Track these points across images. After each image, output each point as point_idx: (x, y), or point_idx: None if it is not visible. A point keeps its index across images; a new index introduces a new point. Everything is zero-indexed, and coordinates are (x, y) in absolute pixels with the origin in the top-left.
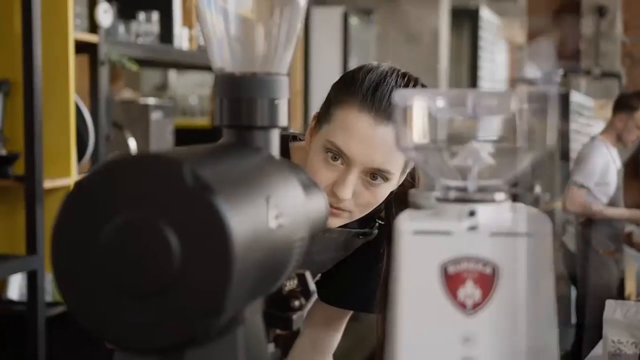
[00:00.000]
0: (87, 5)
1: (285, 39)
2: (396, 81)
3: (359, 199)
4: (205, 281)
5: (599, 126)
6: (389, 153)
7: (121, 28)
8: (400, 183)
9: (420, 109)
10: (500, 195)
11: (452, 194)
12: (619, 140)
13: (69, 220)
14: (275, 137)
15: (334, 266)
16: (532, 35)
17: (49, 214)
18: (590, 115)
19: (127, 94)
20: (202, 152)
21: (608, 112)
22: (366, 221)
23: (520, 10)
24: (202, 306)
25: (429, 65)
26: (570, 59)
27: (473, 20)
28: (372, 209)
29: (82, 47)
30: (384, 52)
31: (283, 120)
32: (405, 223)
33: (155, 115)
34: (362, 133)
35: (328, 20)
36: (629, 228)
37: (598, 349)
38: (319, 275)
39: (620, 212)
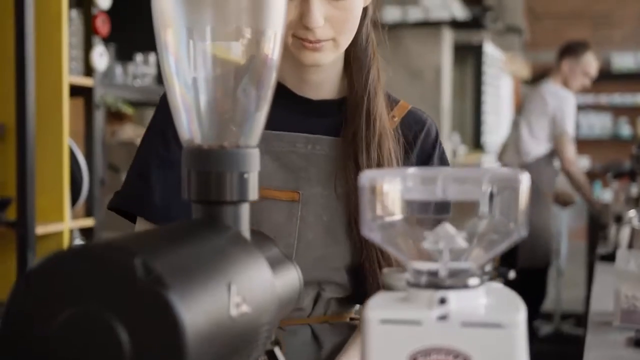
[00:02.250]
0: (83, 48)
1: (255, 110)
2: None
3: (333, 21)
4: None
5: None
6: None
7: (118, 69)
8: None
9: (388, 190)
10: (473, 280)
11: (423, 279)
12: (565, 85)
13: (18, 312)
14: (245, 211)
15: None
16: (536, 69)
17: None
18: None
19: (129, 130)
20: (160, 237)
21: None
22: None
23: (525, 44)
24: None
25: (432, 101)
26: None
27: (477, 55)
28: (354, 29)
29: (78, 90)
30: (387, 87)
31: (253, 194)
32: (374, 311)
33: None
34: None
35: None
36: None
37: (607, 305)
38: None
39: (591, 195)
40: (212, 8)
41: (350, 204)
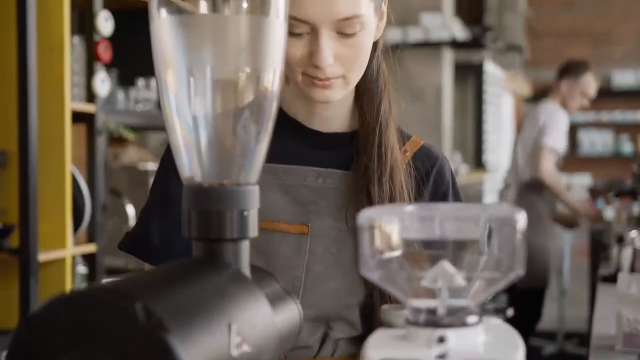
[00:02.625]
0: (85, 74)
1: (256, 146)
2: None
3: (343, 59)
4: None
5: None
6: None
7: (120, 95)
8: (378, 27)
9: (386, 229)
10: (472, 319)
11: (422, 318)
12: (563, 106)
13: (20, 356)
14: (245, 249)
15: None
16: (537, 87)
17: (43, 287)
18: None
19: (132, 152)
20: (161, 278)
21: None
22: None
23: (525, 62)
24: None
25: (433, 121)
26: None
27: (477, 74)
28: (364, 66)
29: (80, 117)
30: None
31: (253, 231)
32: (374, 350)
33: None
34: None
35: None
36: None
37: (610, 328)
38: None
39: (574, 202)
40: (212, 49)
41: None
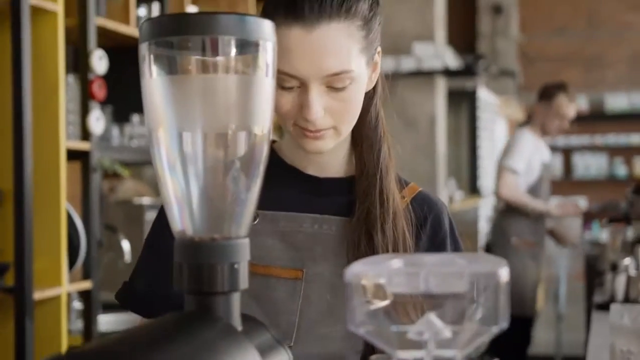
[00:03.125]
0: (80, 113)
1: (246, 198)
2: None
3: (333, 111)
4: None
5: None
6: (337, 52)
7: (115, 131)
8: (371, 78)
9: (373, 284)
10: None
11: None
12: (544, 131)
13: None
14: (236, 300)
15: None
16: (530, 111)
17: (39, 325)
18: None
19: (129, 185)
20: (152, 335)
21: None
22: None
23: (519, 87)
24: None
25: (427, 148)
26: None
27: (471, 100)
28: (356, 117)
29: (75, 154)
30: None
31: (244, 283)
32: None
33: (150, 215)
34: (297, 47)
35: None
36: (550, 224)
37: (604, 357)
38: None
39: (543, 206)
40: (202, 107)
41: None
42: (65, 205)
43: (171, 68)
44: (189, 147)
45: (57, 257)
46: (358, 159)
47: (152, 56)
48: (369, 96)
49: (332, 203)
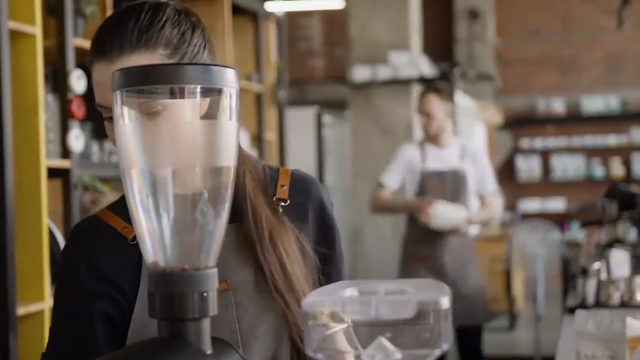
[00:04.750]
0: (60, 131)
1: (214, 232)
2: (131, 12)
3: None
4: None
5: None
6: None
7: (95, 148)
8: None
9: (328, 313)
10: None
11: None
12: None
13: None
14: (206, 325)
15: None
16: (508, 114)
17: (22, 341)
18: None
19: (111, 197)
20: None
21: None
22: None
23: (496, 90)
24: None
25: None
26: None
27: None
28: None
29: (55, 172)
30: (359, 145)
31: (213, 309)
32: None
33: None
34: (102, 79)
35: (303, 119)
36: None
37: None
38: None
39: (406, 202)
40: (171, 150)
41: (265, 275)
42: (46, 221)
43: (141, 114)
44: (159, 184)
45: (39, 273)
46: None
47: (123, 104)
48: None
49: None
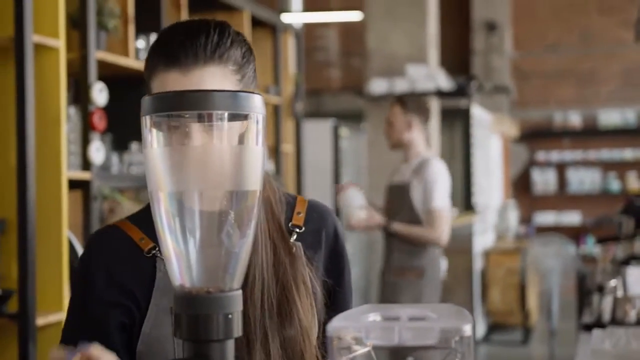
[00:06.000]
0: (81, 143)
1: (239, 254)
2: (199, 26)
3: None
4: None
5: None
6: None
7: (115, 159)
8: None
9: (352, 338)
10: None
11: None
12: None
13: None
14: (230, 347)
15: None
16: (524, 127)
17: (42, 351)
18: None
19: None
20: None
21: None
22: None
23: (513, 103)
24: None
25: None
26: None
27: (464, 118)
28: None
29: (76, 184)
30: (376, 157)
31: (237, 331)
32: None
33: None
34: (175, 88)
35: (319, 132)
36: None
37: None
38: None
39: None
40: (198, 174)
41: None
42: (66, 233)
43: (170, 139)
44: (186, 207)
45: (59, 283)
46: None
47: (153, 129)
48: None
49: None
